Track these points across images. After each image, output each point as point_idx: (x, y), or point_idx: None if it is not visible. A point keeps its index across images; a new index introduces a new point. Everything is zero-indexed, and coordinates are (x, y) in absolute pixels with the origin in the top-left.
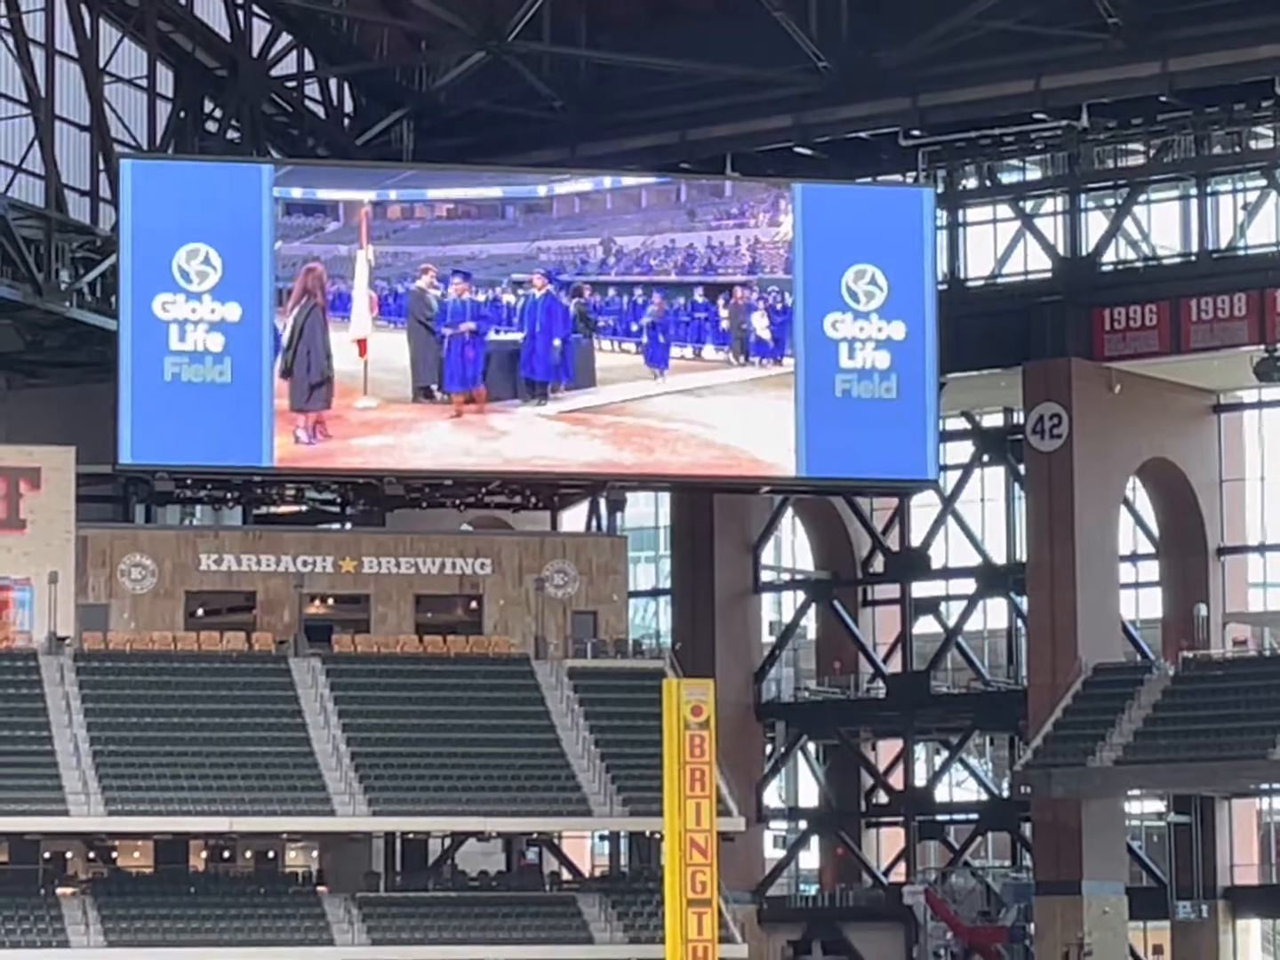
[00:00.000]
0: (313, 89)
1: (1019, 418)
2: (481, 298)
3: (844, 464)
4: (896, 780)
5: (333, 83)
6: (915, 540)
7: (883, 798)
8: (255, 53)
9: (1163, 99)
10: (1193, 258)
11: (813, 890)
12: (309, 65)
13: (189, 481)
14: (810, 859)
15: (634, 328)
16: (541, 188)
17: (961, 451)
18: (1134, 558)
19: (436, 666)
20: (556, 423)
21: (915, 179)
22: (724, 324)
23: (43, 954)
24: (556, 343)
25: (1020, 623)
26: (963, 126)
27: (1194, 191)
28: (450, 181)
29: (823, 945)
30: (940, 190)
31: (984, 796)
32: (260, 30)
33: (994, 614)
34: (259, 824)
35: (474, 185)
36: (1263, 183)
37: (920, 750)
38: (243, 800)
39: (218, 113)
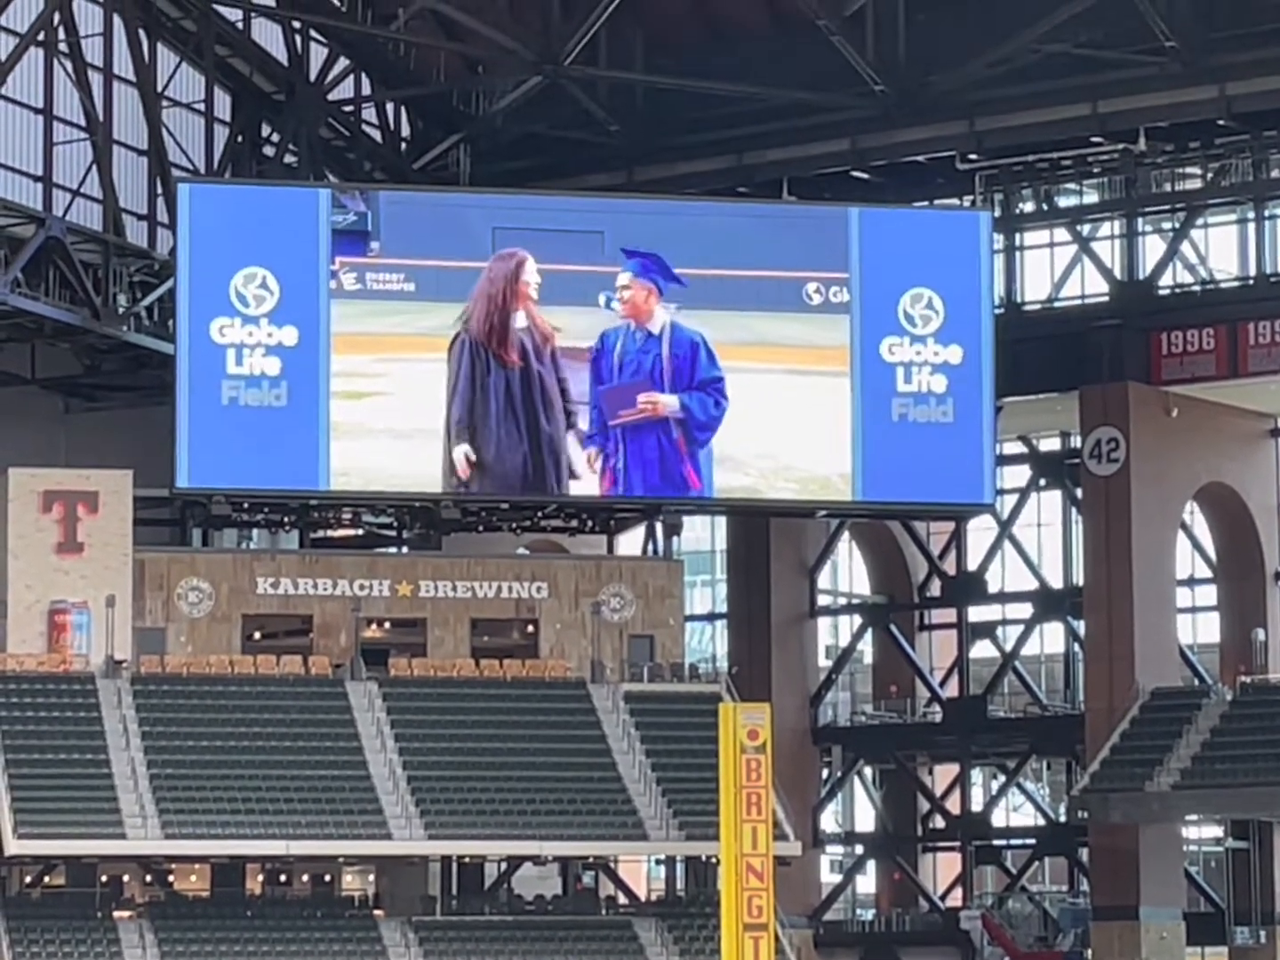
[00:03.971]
0: (370, 113)
1: (1076, 442)
2: None
3: (900, 488)
4: (953, 805)
5: (389, 107)
6: (972, 564)
7: (939, 822)
8: (312, 77)
9: (1220, 122)
10: (1250, 281)
11: (869, 915)
12: (366, 89)
13: (246, 505)
14: (867, 883)
15: None
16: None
17: (1018, 475)
18: (1191, 582)
19: (493, 690)
20: None
21: (972, 202)
22: None
23: None
24: None
25: (1077, 647)
26: (1020, 150)
27: (1251, 215)
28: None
29: None
30: (997, 214)
31: (1041, 821)
32: (317, 54)
33: (1051, 638)
34: (316, 847)
35: (530, 209)
36: None
37: (977, 775)
38: (299, 824)
39: (275, 136)
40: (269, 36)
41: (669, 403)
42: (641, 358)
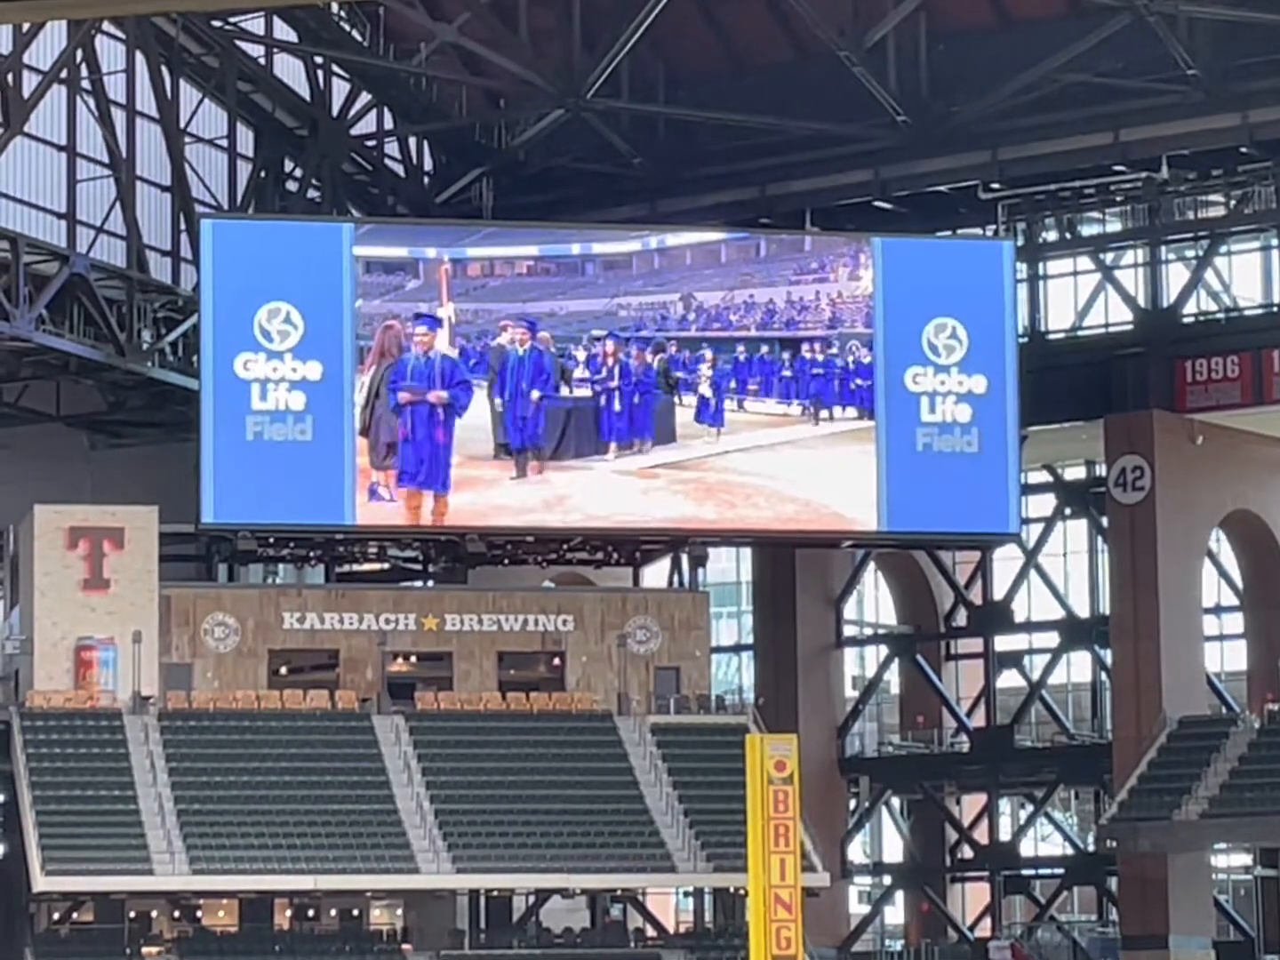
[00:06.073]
0: (392, 147)
1: (1101, 470)
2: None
3: (926, 518)
4: (981, 835)
5: (412, 141)
6: (998, 594)
7: (967, 852)
8: (335, 112)
9: (1243, 150)
10: (1274, 308)
11: (898, 946)
12: (388, 124)
13: (271, 540)
14: (895, 914)
15: (700, 384)
16: (621, 244)
17: (1044, 504)
18: (1218, 610)
19: (519, 723)
20: (637, 479)
21: (995, 232)
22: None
23: None
24: (535, 395)
25: (1104, 676)
26: (1042, 179)
27: (1275, 242)
28: (530, 239)
29: None
30: (1020, 243)
31: (1069, 851)
32: (340, 89)
33: (1077, 667)
34: (343, 882)
35: (553, 242)
36: None
37: (1005, 804)
38: (327, 858)
39: (298, 172)
40: (291, 72)
41: None
42: None
